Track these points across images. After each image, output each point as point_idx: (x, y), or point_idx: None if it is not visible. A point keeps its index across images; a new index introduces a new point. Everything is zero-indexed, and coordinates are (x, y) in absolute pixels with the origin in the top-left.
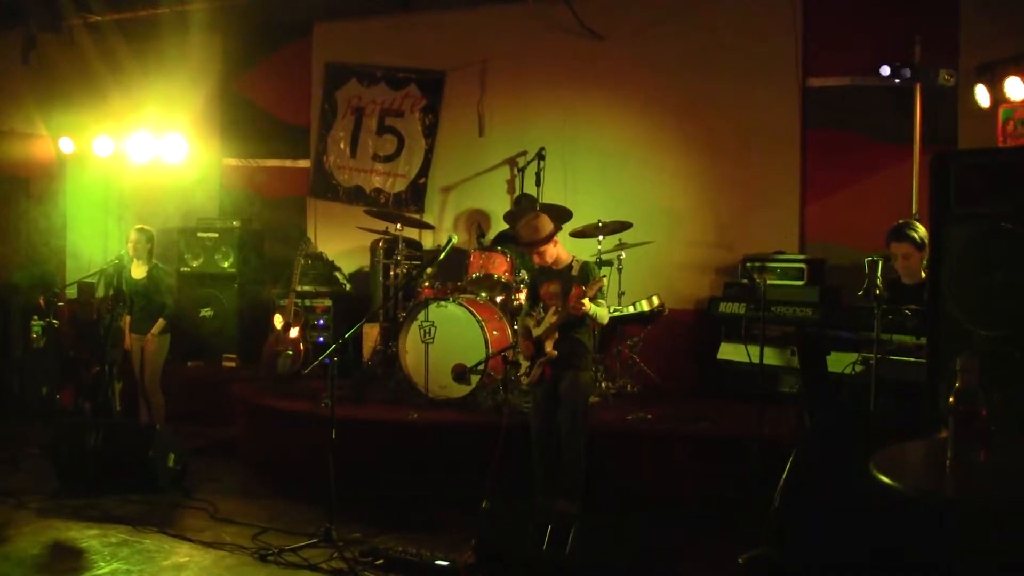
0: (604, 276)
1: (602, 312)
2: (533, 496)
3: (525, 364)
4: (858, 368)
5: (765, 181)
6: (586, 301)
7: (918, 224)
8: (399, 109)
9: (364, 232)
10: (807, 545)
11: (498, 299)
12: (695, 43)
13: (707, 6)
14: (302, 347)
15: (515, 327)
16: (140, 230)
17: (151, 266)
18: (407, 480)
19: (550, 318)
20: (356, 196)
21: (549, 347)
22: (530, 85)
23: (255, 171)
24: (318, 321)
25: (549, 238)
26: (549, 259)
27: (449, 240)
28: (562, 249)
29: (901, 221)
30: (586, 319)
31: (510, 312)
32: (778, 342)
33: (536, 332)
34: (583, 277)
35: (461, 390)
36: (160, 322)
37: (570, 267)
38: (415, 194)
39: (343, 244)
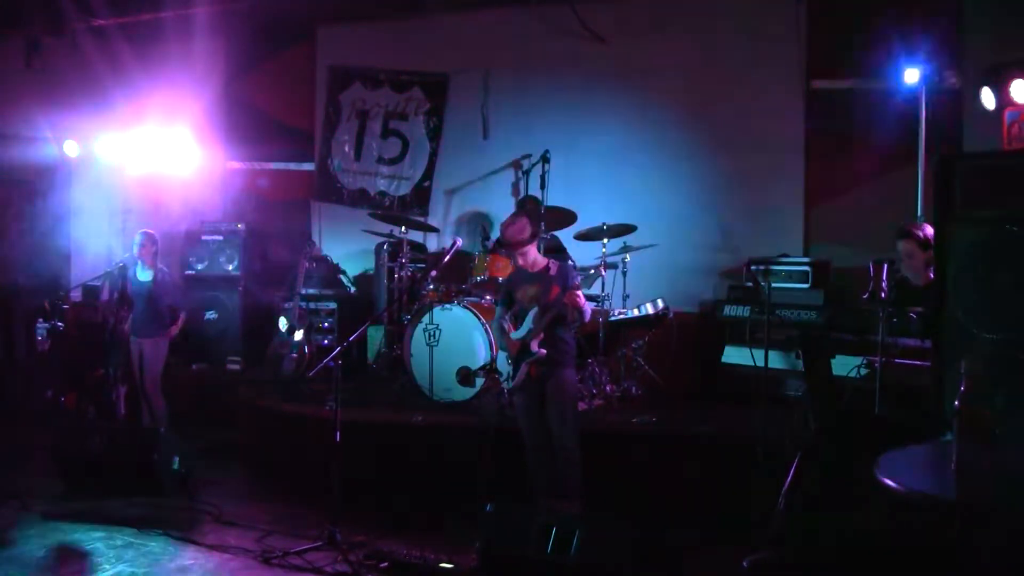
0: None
1: (588, 308)
2: (535, 498)
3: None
4: (863, 371)
5: (769, 184)
6: (579, 294)
7: (925, 224)
8: (403, 112)
9: (368, 235)
10: (811, 548)
11: None
12: (699, 45)
13: (711, 8)
14: (306, 350)
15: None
16: (145, 233)
17: (156, 270)
18: (411, 483)
19: (532, 319)
20: (360, 199)
21: (534, 347)
22: (534, 88)
23: (259, 174)
24: (322, 324)
25: (533, 238)
26: (530, 258)
27: (454, 243)
28: (538, 253)
29: (910, 221)
30: (567, 317)
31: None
32: (782, 345)
33: (518, 334)
34: (562, 277)
35: (465, 393)
36: (182, 318)
37: (547, 268)
38: (419, 197)
39: (347, 247)
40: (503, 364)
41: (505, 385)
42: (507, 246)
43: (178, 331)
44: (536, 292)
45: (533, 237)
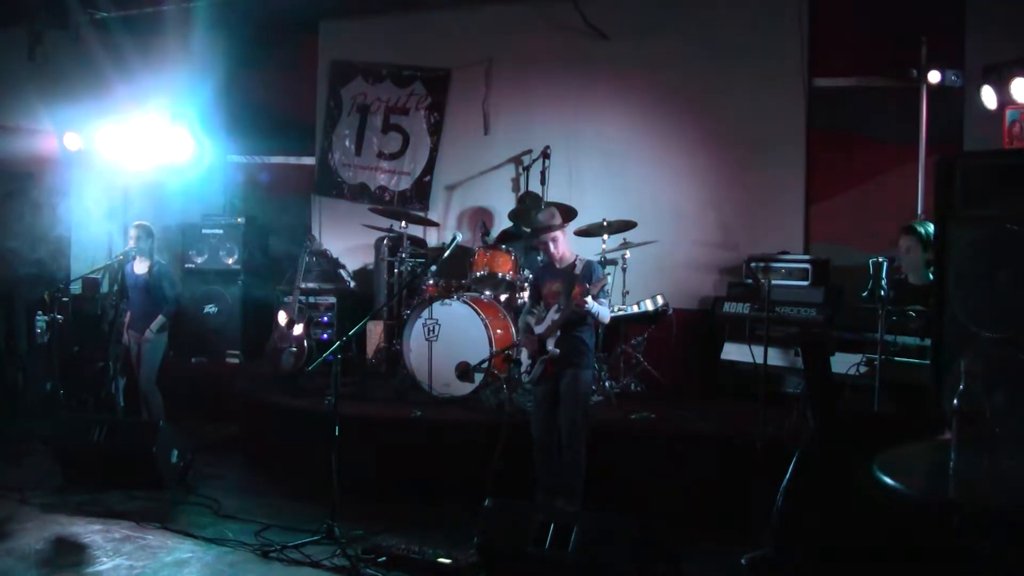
0: (608, 274)
1: (604, 311)
2: (534, 494)
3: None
4: (862, 369)
5: (770, 181)
6: (588, 299)
7: (929, 223)
8: (404, 107)
9: (369, 229)
10: (810, 546)
11: (502, 297)
12: (700, 43)
13: (713, 6)
14: (306, 344)
15: (518, 324)
16: (139, 226)
17: (153, 263)
18: (410, 478)
19: (552, 316)
20: (361, 193)
21: (551, 345)
22: (535, 84)
23: (260, 168)
24: (322, 318)
25: (562, 225)
26: (559, 250)
27: (454, 238)
28: (567, 247)
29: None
30: (588, 318)
31: (514, 310)
32: (782, 342)
33: (538, 330)
34: (586, 276)
35: (464, 388)
36: (159, 319)
37: (573, 265)
38: (420, 192)
39: (348, 241)
40: (525, 358)
41: (523, 378)
42: (538, 231)
43: (156, 329)
44: (560, 288)
45: (562, 225)
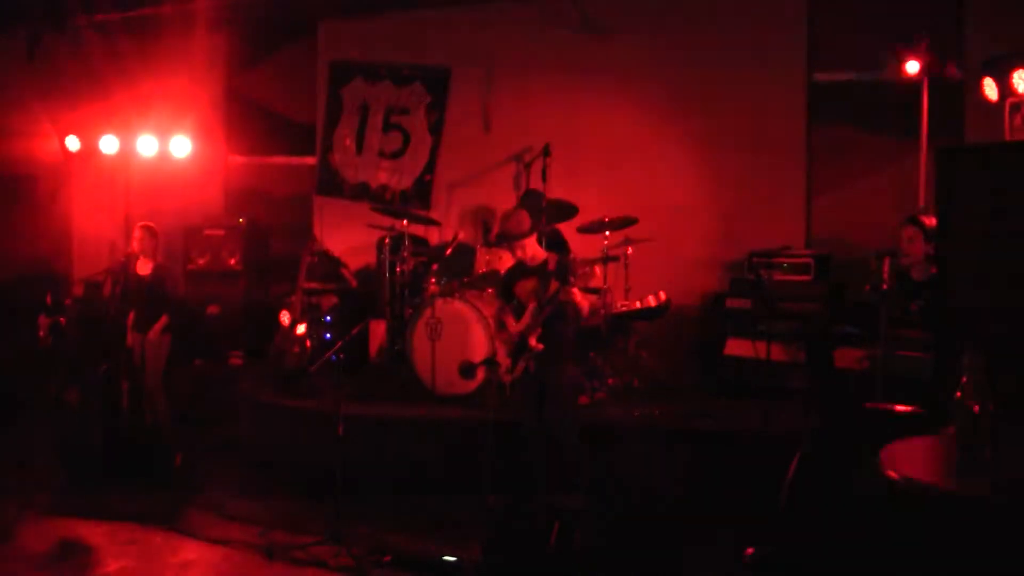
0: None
1: (584, 304)
2: (537, 491)
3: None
4: (864, 363)
5: (771, 176)
6: (576, 291)
7: (933, 216)
8: (405, 106)
9: (370, 229)
10: (813, 542)
11: None
12: (700, 38)
13: (712, 2)
14: (308, 344)
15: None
16: (145, 227)
17: (156, 264)
18: (414, 477)
19: (533, 312)
20: (362, 193)
21: (532, 341)
22: (535, 82)
23: (261, 168)
24: (324, 318)
25: (531, 231)
26: (527, 252)
27: (455, 236)
28: (538, 247)
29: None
30: (566, 312)
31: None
32: (785, 338)
33: (515, 328)
34: (561, 272)
35: (468, 386)
36: (163, 319)
37: (545, 263)
38: (421, 191)
39: (349, 241)
40: (503, 356)
41: (506, 376)
42: (506, 239)
43: (160, 330)
44: (535, 286)
45: (532, 230)
